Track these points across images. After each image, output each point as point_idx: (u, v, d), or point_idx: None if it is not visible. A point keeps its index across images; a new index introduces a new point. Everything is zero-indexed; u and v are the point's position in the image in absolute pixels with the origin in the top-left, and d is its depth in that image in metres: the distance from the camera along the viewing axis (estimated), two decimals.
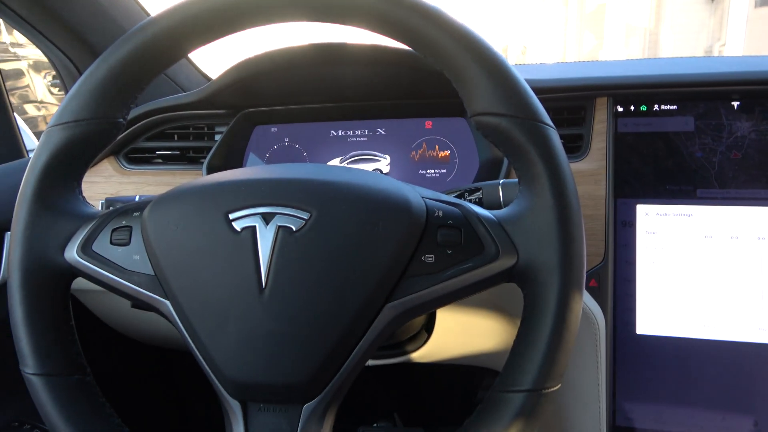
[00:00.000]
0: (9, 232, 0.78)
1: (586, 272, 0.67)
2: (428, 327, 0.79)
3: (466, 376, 1.14)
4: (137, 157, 0.85)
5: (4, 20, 0.84)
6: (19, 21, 0.82)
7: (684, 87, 0.68)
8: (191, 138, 0.85)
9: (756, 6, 9.22)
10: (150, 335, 0.96)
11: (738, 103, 0.68)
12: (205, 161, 0.80)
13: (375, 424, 1.24)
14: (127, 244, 0.45)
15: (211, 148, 0.83)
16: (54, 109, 3.59)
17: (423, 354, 0.81)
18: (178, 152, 0.84)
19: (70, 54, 0.89)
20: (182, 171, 0.82)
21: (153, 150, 0.85)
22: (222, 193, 0.44)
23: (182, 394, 1.23)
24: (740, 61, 0.76)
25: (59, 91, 3.43)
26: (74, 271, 0.46)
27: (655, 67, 0.75)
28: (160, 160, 0.85)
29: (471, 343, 0.81)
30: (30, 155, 0.93)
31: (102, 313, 0.92)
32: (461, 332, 0.79)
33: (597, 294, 0.67)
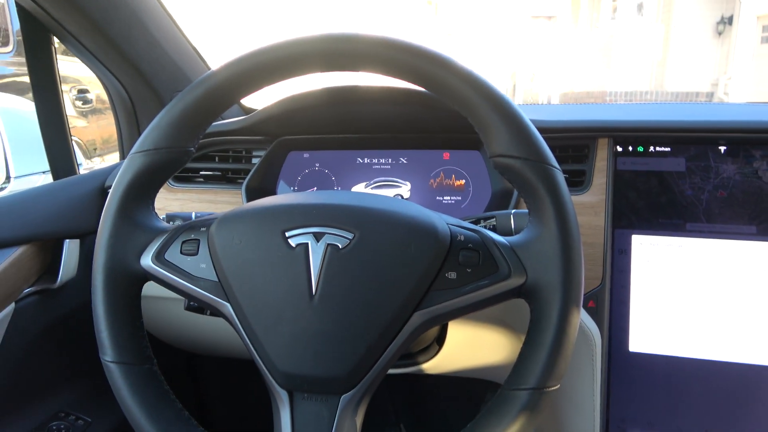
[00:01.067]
0: (68, 240, 0.87)
1: (586, 294, 0.75)
2: (440, 340, 0.87)
3: (471, 389, 1.21)
4: (182, 176, 0.94)
5: (66, 47, 0.93)
6: (80, 49, 0.92)
7: (677, 132, 0.76)
8: (230, 160, 0.94)
9: (762, 42, 9.37)
10: (179, 339, 1.04)
11: (725, 148, 0.76)
12: (244, 182, 0.89)
13: None
14: (196, 254, 0.53)
15: (247, 170, 0.92)
16: (77, 122, 3.70)
17: (433, 365, 0.88)
18: (219, 173, 0.93)
19: (122, 80, 0.98)
20: (222, 190, 0.91)
21: (197, 170, 0.93)
22: (279, 215, 0.52)
23: (204, 395, 1.30)
24: (728, 109, 0.85)
25: (83, 104, 3.55)
26: (147, 276, 0.54)
27: (653, 113, 0.83)
28: (202, 180, 0.94)
29: (479, 357, 0.89)
30: (80, 170, 1.02)
31: None
32: (470, 345, 0.86)
33: (594, 314, 0.74)
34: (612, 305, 0.75)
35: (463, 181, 0.89)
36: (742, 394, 0.71)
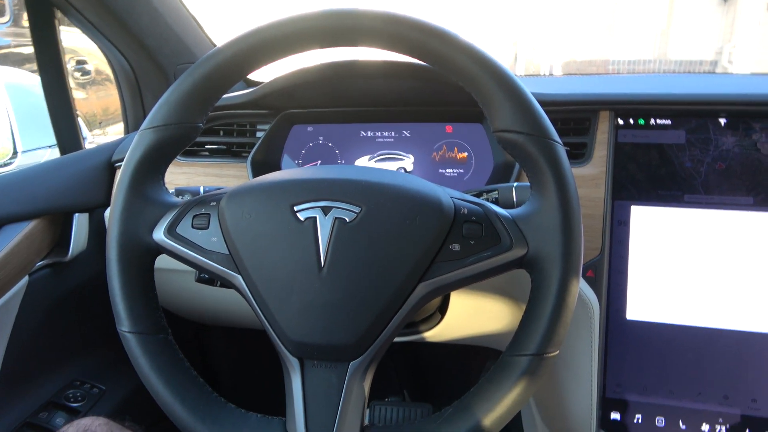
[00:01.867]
0: (77, 214, 0.89)
1: (585, 264, 0.77)
2: (442, 309, 0.89)
3: (471, 356, 1.25)
4: (188, 150, 0.95)
5: (70, 21, 0.93)
6: (84, 23, 0.92)
7: (677, 105, 0.77)
8: (235, 134, 0.95)
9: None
10: (189, 311, 1.07)
11: (725, 120, 0.77)
12: (249, 155, 0.90)
13: (387, 399, 1.34)
14: (206, 228, 0.55)
15: (251, 143, 0.93)
16: (76, 94, 3.68)
17: (435, 333, 0.91)
18: (224, 147, 0.94)
19: (126, 54, 0.98)
20: (227, 164, 0.92)
21: (202, 144, 0.94)
22: (288, 189, 0.53)
23: (214, 366, 1.34)
24: (729, 81, 0.85)
25: (82, 76, 3.52)
26: (160, 250, 0.56)
27: (654, 85, 0.84)
28: (207, 153, 0.95)
29: (480, 325, 0.91)
30: (86, 145, 1.03)
31: None
32: (472, 314, 0.88)
33: (593, 283, 0.76)
34: (610, 275, 0.77)
35: (465, 154, 0.90)
36: (734, 359, 0.74)
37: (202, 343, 1.31)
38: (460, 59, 0.51)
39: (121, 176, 0.56)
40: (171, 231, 0.55)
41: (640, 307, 0.76)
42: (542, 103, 0.53)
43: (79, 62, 3.46)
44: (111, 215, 0.56)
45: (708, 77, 0.89)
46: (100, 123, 3.62)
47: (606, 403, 0.77)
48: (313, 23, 0.52)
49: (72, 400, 0.90)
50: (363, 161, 0.92)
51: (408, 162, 0.91)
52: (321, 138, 0.93)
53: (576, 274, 0.50)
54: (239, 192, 0.55)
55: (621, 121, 0.80)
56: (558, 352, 0.51)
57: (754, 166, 0.75)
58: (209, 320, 1.10)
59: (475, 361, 1.29)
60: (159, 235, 0.55)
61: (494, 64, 0.51)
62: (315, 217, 0.51)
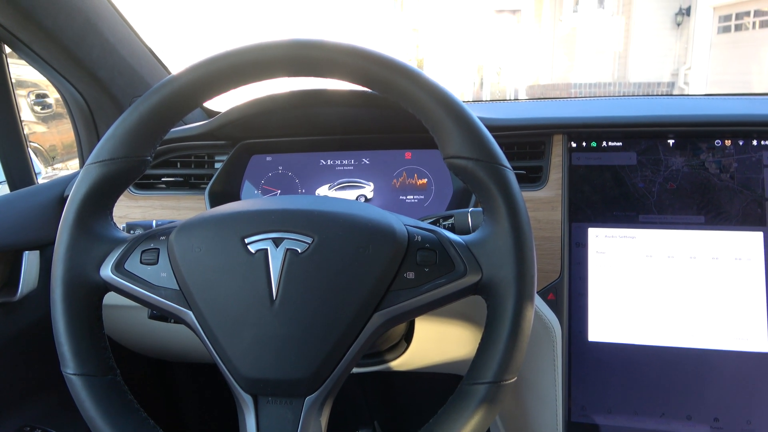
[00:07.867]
0: (27, 252, 0.86)
1: (545, 287, 0.77)
2: (407, 337, 0.88)
3: (441, 384, 1.23)
4: (144, 183, 0.93)
5: (18, 55, 0.91)
6: (33, 56, 0.90)
7: (626, 127, 0.79)
8: (192, 166, 0.93)
9: (719, 32, 9.66)
10: (147, 347, 1.03)
11: (673, 141, 0.79)
12: (207, 187, 0.88)
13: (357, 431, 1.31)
14: (156, 263, 0.53)
15: (210, 175, 0.91)
16: (36, 128, 3.61)
17: (403, 362, 0.90)
18: (181, 179, 0.92)
19: (78, 87, 0.96)
20: (185, 196, 0.90)
21: (158, 177, 0.93)
22: (238, 221, 0.52)
23: (177, 401, 1.29)
24: (678, 103, 0.88)
25: (43, 110, 3.46)
26: (108, 287, 0.54)
27: (605, 108, 0.86)
28: (164, 186, 0.93)
29: (446, 351, 0.90)
30: (39, 180, 1.00)
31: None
32: (437, 341, 0.87)
33: (554, 306, 0.77)
34: (571, 297, 0.77)
35: (425, 180, 0.90)
36: (696, 377, 0.75)
37: (166, 380, 1.27)
38: (410, 89, 0.51)
39: (65, 212, 0.54)
40: (119, 267, 0.54)
41: (601, 328, 0.77)
42: (497, 128, 0.53)
43: (39, 96, 3.40)
44: (56, 253, 0.54)
45: (658, 99, 0.92)
46: (53, 158, 3.54)
47: (571, 428, 0.76)
48: (276, 53, 0.51)
49: None
50: (323, 190, 0.92)
51: (368, 189, 0.91)
52: (281, 167, 0.93)
53: (530, 299, 0.50)
54: (188, 225, 0.53)
55: (574, 144, 0.81)
56: (515, 378, 0.50)
57: (703, 186, 0.77)
58: (168, 356, 1.06)
59: (445, 387, 1.27)
60: (106, 272, 0.54)
61: (442, 92, 0.51)
62: (266, 249, 0.50)
